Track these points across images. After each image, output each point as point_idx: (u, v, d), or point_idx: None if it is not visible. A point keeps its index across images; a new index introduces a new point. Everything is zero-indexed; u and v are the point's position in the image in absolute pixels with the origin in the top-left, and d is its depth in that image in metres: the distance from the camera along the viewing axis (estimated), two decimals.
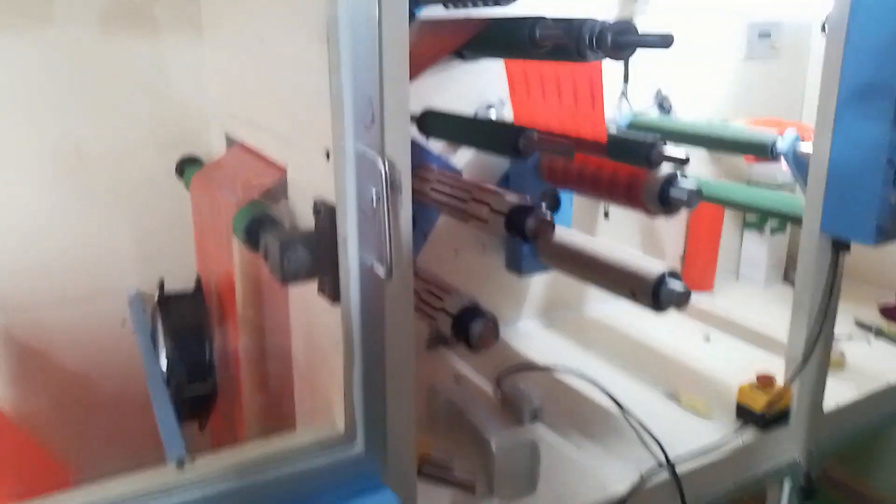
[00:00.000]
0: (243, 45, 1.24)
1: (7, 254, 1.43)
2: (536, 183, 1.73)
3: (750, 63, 2.13)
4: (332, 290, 0.95)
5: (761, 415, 1.46)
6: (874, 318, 2.00)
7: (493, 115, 1.74)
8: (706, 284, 2.19)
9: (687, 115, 2.02)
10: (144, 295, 1.50)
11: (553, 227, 1.25)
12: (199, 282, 1.27)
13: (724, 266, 2.26)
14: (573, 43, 1.14)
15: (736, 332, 1.98)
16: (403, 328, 0.98)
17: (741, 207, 1.91)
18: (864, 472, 2.08)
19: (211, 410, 1.22)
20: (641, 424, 1.50)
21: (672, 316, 1.55)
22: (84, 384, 1.51)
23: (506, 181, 1.79)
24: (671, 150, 1.32)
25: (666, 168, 1.43)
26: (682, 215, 2.16)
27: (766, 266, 2.24)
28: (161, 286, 1.24)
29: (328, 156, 0.91)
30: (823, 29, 1.30)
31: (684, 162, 1.30)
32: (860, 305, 2.05)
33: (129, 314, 1.49)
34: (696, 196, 1.39)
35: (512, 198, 1.30)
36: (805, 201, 1.38)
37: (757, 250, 2.26)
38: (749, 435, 1.47)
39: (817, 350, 1.44)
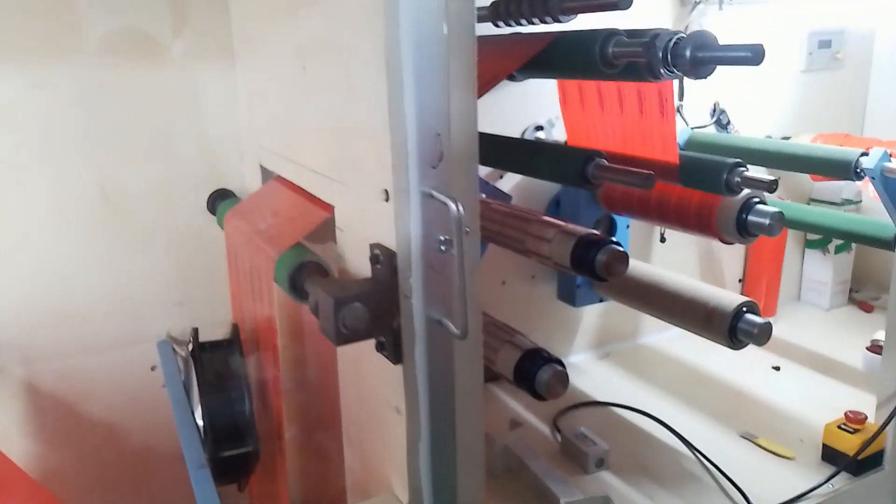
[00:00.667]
0: (281, 73, 1.14)
1: (29, 301, 1.34)
2: (592, 209, 1.61)
3: (809, 75, 2.00)
4: (393, 350, 0.84)
5: (853, 458, 1.32)
6: None
7: (542, 138, 1.63)
8: (769, 310, 2.04)
9: (745, 131, 1.90)
10: (176, 340, 1.41)
11: (628, 261, 1.13)
12: (235, 330, 1.16)
13: (784, 288, 2.12)
14: (647, 60, 1.02)
15: (805, 361, 1.84)
16: (474, 391, 0.86)
17: (821, 231, 1.77)
18: None
19: (251, 471, 1.11)
20: (719, 469, 1.37)
21: None
22: (112, 437, 1.42)
23: (556, 207, 1.67)
24: (753, 172, 1.19)
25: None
26: None
27: (831, 287, 2.10)
28: (195, 335, 1.14)
29: (387, 198, 0.80)
30: None
31: (773, 186, 1.17)
32: None
33: (158, 361, 1.39)
34: (779, 222, 1.27)
35: (575, 230, 1.18)
36: None
37: (820, 271, 2.12)
38: (840, 481, 1.33)
39: None
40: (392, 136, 0.77)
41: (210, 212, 1.41)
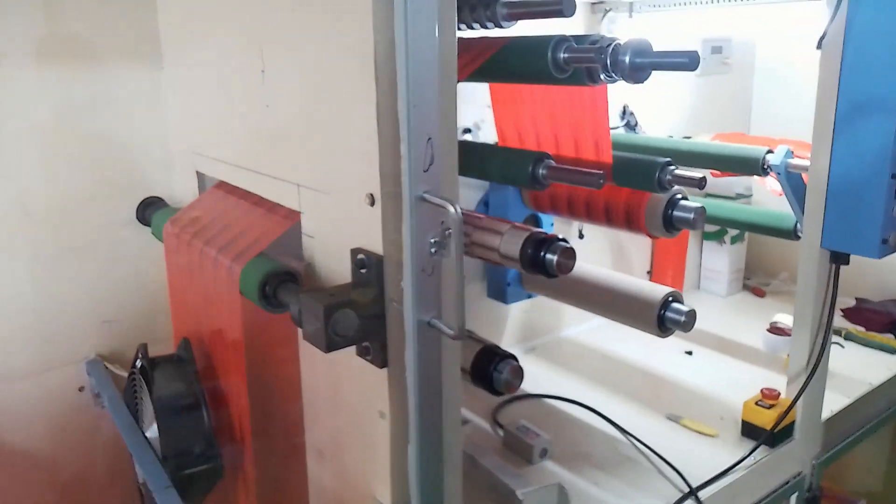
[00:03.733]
0: (231, 78, 1.10)
1: None
2: (519, 209, 1.66)
3: (703, 79, 2.16)
4: (380, 354, 0.84)
5: (771, 432, 1.44)
6: (839, 322, 2.06)
7: (470, 140, 1.66)
8: None
9: (649, 131, 2.02)
10: (108, 359, 1.33)
11: (575, 257, 1.18)
12: (186, 345, 1.11)
13: (686, 278, 2.27)
14: (596, 65, 1.07)
15: (712, 344, 1.98)
16: (457, 391, 0.88)
17: (727, 224, 1.91)
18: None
19: (212, 488, 1.07)
20: (653, 451, 1.46)
21: (646, 333, 1.52)
22: (40, 465, 1.32)
23: (485, 208, 1.71)
24: (683, 170, 1.28)
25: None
26: None
27: (727, 276, 2.27)
28: (144, 351, 1.08)
29: (373, 202, 0.80)
30: (819, 46, 1.30)
31: (702, 183, 1.26)
32: None
33: (88, 382, 1.31)
34: (702, 217, 1.37)
35: (524, 229, 1.22)
36: (805, 217, 1.38)
37: (718, 261, 2.29)
38: (759, 452, 1.45)
39: (821, 363, 1.44)
40: (381, 140, 0.77)
41: (140, 222, 1.34)
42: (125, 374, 1.29)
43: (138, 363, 1.08)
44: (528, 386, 1.74)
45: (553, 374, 1.83)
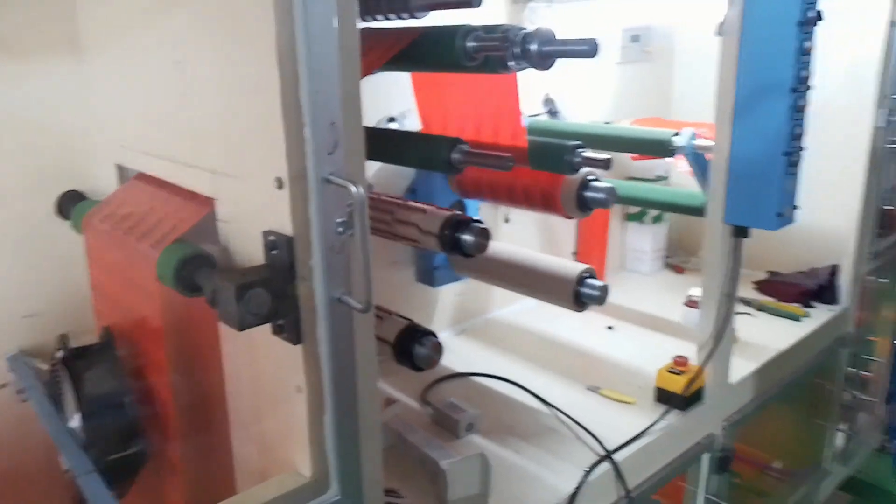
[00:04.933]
0: (148, 68, 1.12)
1: None
2: (446, 195, 1.71)
3: (624, 66, 2.24)
4: (293, 331, 0.88)
5: (682, 396, 1.53)
6: (752, 293, 2.18)
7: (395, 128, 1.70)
8: (598, 277, 2.26)
9: (572, 118, 2.09)
10: (30, 353, 1.33)
11: (490, 236, 1.24)
12: (108, 334, 1.13)
13: (610, 258, 2.36)
14: (502, 54, 1.12)
15: (634, 319, 2.08)
16: (372, 364, 0.93)
17: (643, 204, 2.00)
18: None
19: (139, 473, 1.09)
20: (573, 420, 1.53)
21: (571, 311, 1.59)
22: None
23: (412, 194, 1.75)
24: (590, 153, 1.35)
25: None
26: None
27: (650, 255, 2.37)
28: (65, 342, 1.09)
29: (281, 185, 0.84)
30: (719, 33, 1.38)
31: (607, 164, 1.33)
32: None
33: (11, 378, 1.30)
34: (612, 196, 1.44)
35: (442, 212, 1.27)
36: (708, 195, 1.47)
37: (640, 240, 2.39)
38: (671, 416, 1.54)
39: (726, 330, 1.54)
40: (286, 125, 0.81)
41: (60, 215, 1.34)
42: (47, 368, 1.29)
43: (59, 354, 1.09)
44: (458, 366, 1.80)
45: (482, 353, 1.89)
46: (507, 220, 2.04)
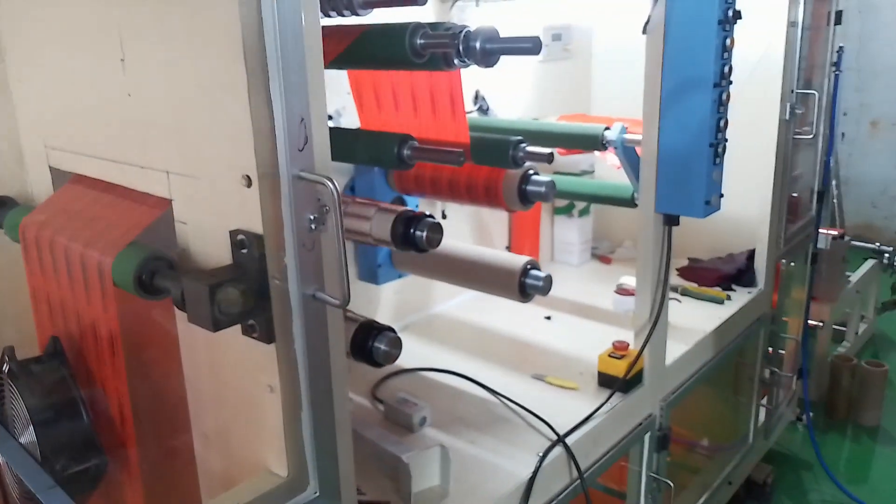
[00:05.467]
0: (84, 69, 1.08)
1: None
2: (385, 191, 1.72)
3: (546, 64, 2.31)
4: (266, 330, 0.87)
5: (623, 379, 1.60)
6: (675, 280, 2.29)
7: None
8: None
9: (500, 114, 2.14)
10: None
11: (443, 231, 1.26)
12: (56, 343, 1.08)
13: (541, 250, 2.43)
14: (450, 51, 1.15)
15: (568, 309, 2.15)
16: (343, 359, 0.93)
17: (575, 197, 2.07)
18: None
19: (97, 485, 1.05)
20: (522, 407, 1.58)
21: (509, 303, 1.64)
22: None
23: (351, 191, 1.76)
24: (533, 148, 1.39)
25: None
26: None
27: (578, 246, 2.46)
28: (11, 354, 1.04)
29: (249, 183, 0.83)
30: (644, 31, 1.46)
31: (550, 157, 1.38)
32: None
33: None
34: (553, 189, 1.49)
35: (393, 208, 1.29)
36: (640, 186, 1.55)
37: (568, 233, 2.47)
38: (614, 400, 1.60)
39: (662, 314, 1.62)
40: (254, 123, 0.80)
41: None
42: None
43: (5, 367, 1.03)
44: (403, 361, 1.81)
45: (427, 348, 1.91)
46: (444, 216, 2.06)
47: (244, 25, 0.77)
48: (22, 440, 1.03)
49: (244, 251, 0.86)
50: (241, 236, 0.86)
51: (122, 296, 0.98)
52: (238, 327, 0.89)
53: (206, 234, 0.94)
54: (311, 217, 0.84)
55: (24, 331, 1.23)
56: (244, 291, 0.84)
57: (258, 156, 0.81)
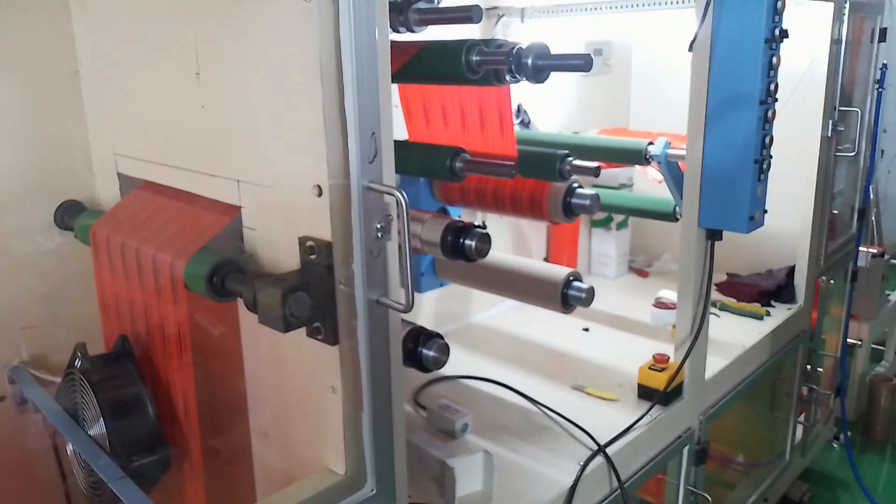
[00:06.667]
0: (157, 83, 1.13)
1: None
2: (429, 202, 1.76)
3: (587, 79, 2.35)
4: (331, 333, 0.91)
5: (663, 392, 1.62)
6: (714, 295, 2.29)
7: None
8: None
9: (541, 128, 2.17)
10: (29, 364, 1.32)
11: (491, 241, 1.29)
12: (124, 342, 1.13)
13: (578, 263, 2.45)
14: (506, 67, 1.19)
15: (606, 321, 2.16)
16: (399, 362, 0.97)
17: (616, 210, 2.10)
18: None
19: (162, 477, 1.09)
20: (563, 417, 1.60)
21: (548, 313, 1.66)
22: None
23: None
24: (580, 161, 1.42)
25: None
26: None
27: (615, 259, 2.47)
28: (83, 351, 1.09)
29: (320, 193, 0.88)
30: (691, 49, 1.48)
31: (596, 171, 1.41)
32: None
33: (10, 391, 1.29)
34: (597, 202, 1.52)
35: (443, 220, 1.32)
36: (683, 200, 1.57)
37: (606, 246, 2.49)
38: (654, 412, 1.62)
39: (703, 327, 1.63)
40: (327, 135, 0.84)
41: (59, 226, 1.33)
42: (51, 378, 1.28)
43: (77, 363, 1.08)
44: (444, 369, 1.84)
45: (466, 356, 1.94)
46: (483, 227, 2.09)
47: (321, 41, 0.82)
48: (91, 432, 1.08)
49: (312, 257, 0.90)
50: (310, 243, 0.90)
51: (189, 297, 1.03)
52: (302, 329, 0.93)
53: (274, 240, 0.98)
54: (378, 226, 0.88)
55: (90, 330, 1.28)
56: (312, 296, 0.88)
57: (330, 167, 0.85)
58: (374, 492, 0.95)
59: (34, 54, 1.30)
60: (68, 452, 1.16)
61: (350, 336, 0.90)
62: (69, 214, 1.33)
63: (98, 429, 1.05)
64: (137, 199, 1.21)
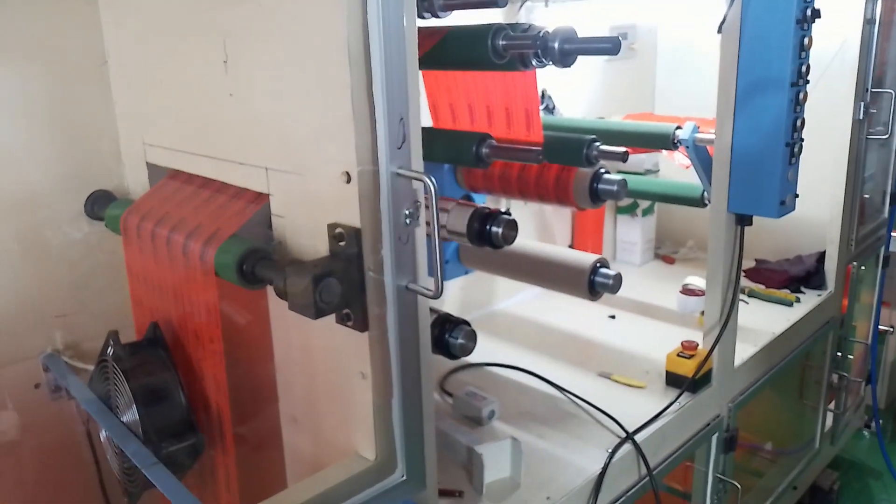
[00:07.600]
0: (184, 71, 1.14)
1: None
2: (454, 189, 1.76)
3: (611, 63, 2.32)
4: (360, 319, 0.92)
5: (692, 379, 1.60)
6: (742, 281, 2.27)
7: None
8: None
9: (565, 113, 2.16)
10: (62, 351, 1.34)
11: (517, 228, 1.29)
12: (156, 329, 1.14)
13: (603, 250, 2.44)
14: (533, 52, 1.17)
15: (632, 308, 2.15)
16: (427, 348, 0.97)
17: (642, 196, 2.08)
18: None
19: (194, 463, 1.11)
20: (590, 404, 1.59)
21: (573, 301, 1.65)
22: (6, 465, 1.31)
23: None
24: (607, 147, 1.41)
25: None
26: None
27: (640, 246, 2.45)
28: (116, 338, 1.11)
29: (349, 179, 0.87)
30: (720, 31, 1.46)
31: (624, 156, 1.39)
32: None
33: (44, 378, 1.31)
34: (624, 188, 1.50)
35: (469, 206, 1.32)
36: (713, 185, 1.54)
37: (631, 232, 2.46)
38: (682, 399, 1.61)
39: (732, 314, 1.61)
40: (356, 122, 0.84)
41: (89, 215, 1.35)
42: (84, 366, 1.30)
43: (110, 351, 1.10)
44: (469, 356, 1.84)
45: (490, 343, 1.94)
46: (507, 214, 2.08)
47: (350, 28, 0.81)
48: (124, 419, 1.09)
49: (342, 244, 0.90)
50: (339, 230, 0.90)
51: (219, 284, 1.04)
52: (332, 316, 0.94)
53: (302, 227, 0.98)
54: (407, 212, 0.88)
55: (121, 318, 1.30)
56: (342, 283, 0.88)
57: (359, 153, 0.85)
58: (405, 478, 0.96)
59: (62, 46, 1.31)
60: (102, 439, 1.18)
61: (379, 323, 0.90)
62: (99, 204, 1.34)
63: (131, 415, 1.07)
64: (166, 188, 1.22)
